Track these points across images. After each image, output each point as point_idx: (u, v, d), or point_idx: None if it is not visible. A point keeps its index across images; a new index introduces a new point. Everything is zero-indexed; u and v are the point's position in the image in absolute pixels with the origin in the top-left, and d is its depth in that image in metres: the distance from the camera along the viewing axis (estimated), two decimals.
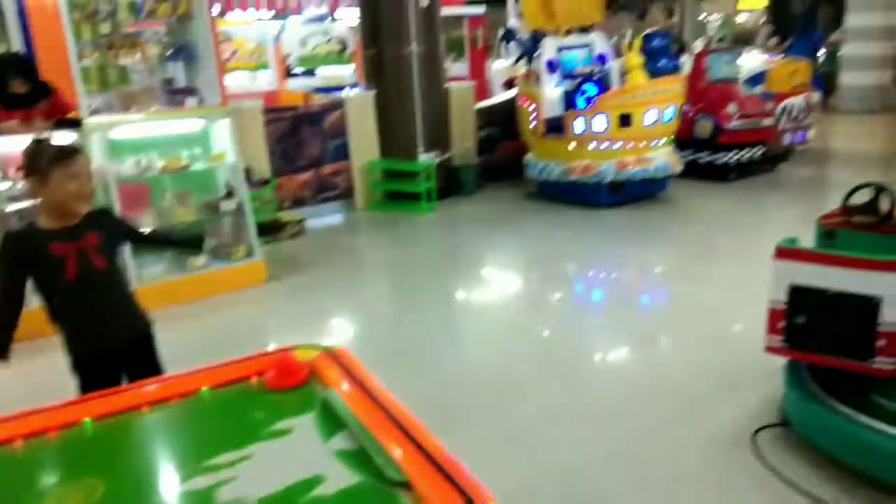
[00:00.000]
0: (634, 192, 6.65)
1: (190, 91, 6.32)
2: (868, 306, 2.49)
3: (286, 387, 1.53)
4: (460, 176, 7.52)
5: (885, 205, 2.83)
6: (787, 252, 2.67)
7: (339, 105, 7.00)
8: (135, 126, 4.75)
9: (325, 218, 6.91)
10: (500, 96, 8.97)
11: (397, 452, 1.21)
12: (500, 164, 7.97)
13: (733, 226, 6.10)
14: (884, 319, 2.46)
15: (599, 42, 6.87)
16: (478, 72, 10.86)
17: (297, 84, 10.63)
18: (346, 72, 10.99)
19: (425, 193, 6.92)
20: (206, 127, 4.93)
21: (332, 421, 1.36)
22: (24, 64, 4.67)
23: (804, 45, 12.75)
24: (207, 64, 6.11)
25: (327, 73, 11.08)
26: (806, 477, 2.56)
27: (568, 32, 6.87)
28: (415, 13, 6.80)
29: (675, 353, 3.83)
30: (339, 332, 4.46)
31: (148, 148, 4.68)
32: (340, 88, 9.07)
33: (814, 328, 2.64)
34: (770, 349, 2.78)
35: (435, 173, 7.01)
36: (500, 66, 11.06)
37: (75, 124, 4.40)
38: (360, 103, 7.05)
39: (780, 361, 2.91)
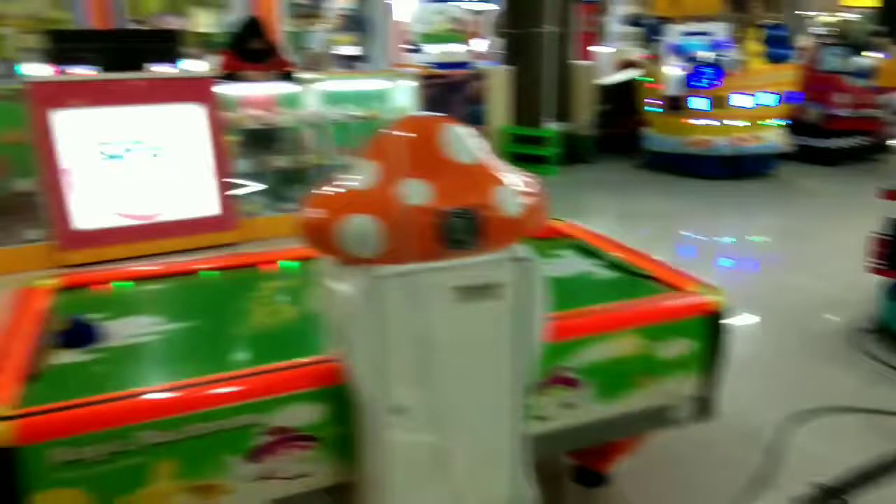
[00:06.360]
0: (744, 168, 7.39)
1: (358, 58, 7.43)
2: None
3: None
4: (580, 145, 8.41)
5: None
6: (892, 193, 3.50)
7: (481, 76, 7.98)
8: (335, 82, 5.90)
9: None
10: (616, 76, 9.75)
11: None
12: (614, 137, 8.81)
13: (839, 203, 6.72)
14: None
15: (719, 30, 7.60)
16: (584, 53, 11.60)
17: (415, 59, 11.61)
18: (461, 49, 11.86)
19: (550, 158, 7.83)
20: (388, 87, 6.04)
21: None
22: (260, 26, 5.78)
23: None
24: (381, 35, 7.19)
25: (440, 50, 11.99)
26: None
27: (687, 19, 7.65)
28: None
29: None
30: None
31: (346, 100, 5.82)
32: (458, 65, 9.91)
33: None
34: (873, 270, 3.61)
35: (558, 141, 7.92)
36: (607, 49, 11.76)
37: (291, 78, 5.54)
38: (498, 76, 8.02)
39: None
